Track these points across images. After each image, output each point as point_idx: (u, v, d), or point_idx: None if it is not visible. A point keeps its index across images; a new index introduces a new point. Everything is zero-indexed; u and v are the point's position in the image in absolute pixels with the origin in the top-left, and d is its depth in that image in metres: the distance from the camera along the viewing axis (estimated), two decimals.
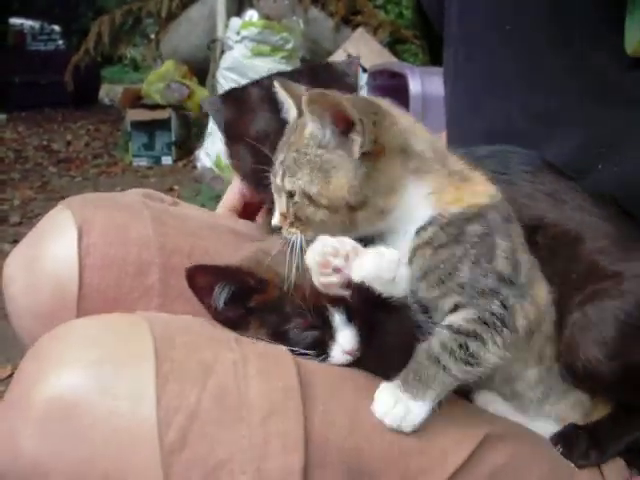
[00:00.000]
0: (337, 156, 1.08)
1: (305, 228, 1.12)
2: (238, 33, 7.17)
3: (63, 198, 4.87)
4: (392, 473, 1.05)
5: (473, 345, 1.07)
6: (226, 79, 7.13)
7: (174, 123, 8.64)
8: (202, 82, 8.88)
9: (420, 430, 1.08)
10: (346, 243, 1.07)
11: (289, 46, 7.42)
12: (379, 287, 1.06)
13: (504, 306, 1.08)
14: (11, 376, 3.27)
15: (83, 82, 11.87)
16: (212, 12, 8.35)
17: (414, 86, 4.11)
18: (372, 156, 1.07)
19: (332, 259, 1.04)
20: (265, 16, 7.21)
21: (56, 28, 19.19)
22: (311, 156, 1.09)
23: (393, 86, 4.55)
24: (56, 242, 1.29)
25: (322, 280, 1.05)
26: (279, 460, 0.97)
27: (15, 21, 18.54)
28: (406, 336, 1.11)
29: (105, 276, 1.29)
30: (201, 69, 8.77)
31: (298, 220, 1.12)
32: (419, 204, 1.12)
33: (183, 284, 1.17)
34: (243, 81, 6.62)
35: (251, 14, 7.34)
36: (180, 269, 1.22)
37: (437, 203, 1.12)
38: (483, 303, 1.07)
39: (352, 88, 1.47)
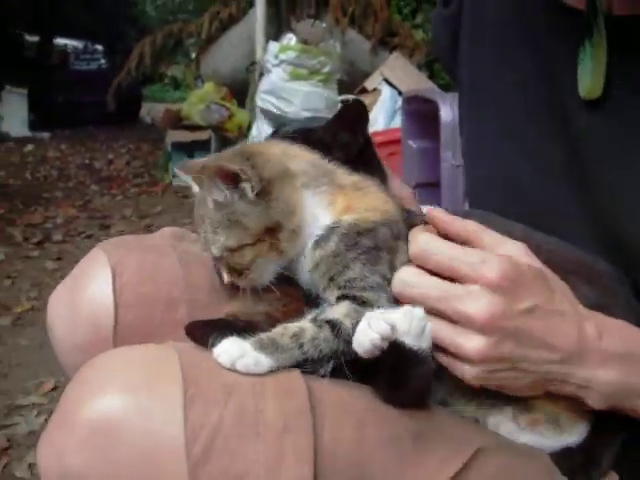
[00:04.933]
0: (239, 207, 1.19)
1: (247, 272, 1.24)
2: (276, 57, 7.27)
3: (105, 217, 5.03)
4: None
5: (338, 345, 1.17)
6: (264, 102, 7.24)
7: (214, 144, 8.76)
8: (241, 104, 9.00)
9: (419, 445, 1.18)
10: (389, 322, 1.12)
11: (326, 69, 7.51)
12: (409, 342, 1.13)
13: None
14: (54, 389, 3.45)
15: (125, 101, 12.04)
16: (252, 35, 8.47)
17: (445, 113, 4.16)
18: (265, 192, 1.19)
19: (381, 343, 1.10)
20: (303, 40, 7.30)
21: (99, 47, 19.50)
22: (219, 218, 1.20)
23: (427, 111, 4.52)
24: (93, 283, 1.42)
25: (365, 354, 1.12)
26: (291, 472, 1.07)
27: (59, 41, 18.83)
28: (426, 383, 1.20)
29: (138, 313, 1.41)
30: (240, 91, 8.89)
31: (238, 270, 1.24)
32: (318, 216, 1.23)
33: (207, 316, 1.28)
34: (281, 104, 6.70)
35: (289, 38, 7.44)
36: (204, 304, 1.35)
37: (331, 213, 1.22)
38: (370, 296, 1.18)
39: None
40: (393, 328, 1.11)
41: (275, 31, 8.43)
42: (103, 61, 19.29)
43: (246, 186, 1.17)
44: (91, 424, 1.08)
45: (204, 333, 1.22)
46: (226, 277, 1.27)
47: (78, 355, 1.33)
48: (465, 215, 1.48)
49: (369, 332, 1.10)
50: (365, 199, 1.26)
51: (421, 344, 1.14)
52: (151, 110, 17.42)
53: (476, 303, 1.14)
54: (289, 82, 7.24)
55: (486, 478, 1.21)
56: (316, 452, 1.10)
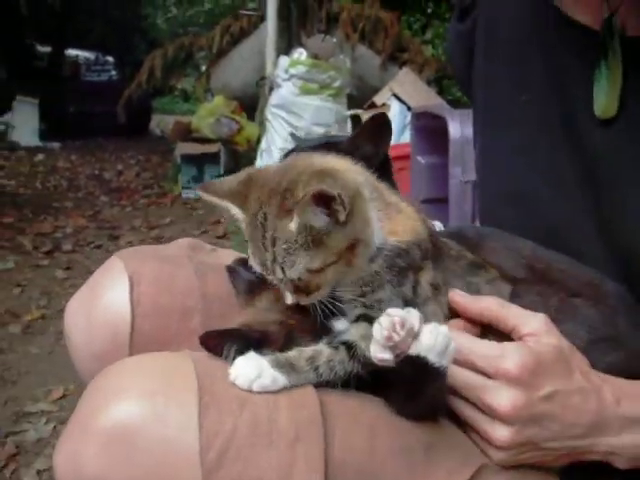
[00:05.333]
0: (328, 229, 1.15)
1: (321, 290, 1.20)
2: (286, 71, 7.31)
3: (114, 228, 5.06)
4: None
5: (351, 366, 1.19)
6: (274, 116, 7.28)
7: (223, 157, 8.80)
8: (251, 118, 9.04)
9: (429, 455, 1.21)
10: (411, 314, 1.13)
11: (336, 84, 7.55)
12: (432, 358, 1.13)
13: None
14: (63, 397, 3.45)
15: (135, 113, 12.13)
16: (262, 49, 8.53)
17: (453, 129, 4.17)
18: (350, 212, 1.15)
19: (399, 331, 1.09)
20: (313, 55, 7.35)
21: (110, 59, 19.53)
22: (303, 241, 1.14)
23: (436, 127, 4.56)
24: (110, 292, 1.45)
25: (379, 356, 1.11)
26: (303, 479, 1.11)
27: (70, 52, 18.89)
28: (441, 397, 1.22)
29: (154, 322, 1.44)
30: (250, 105, 8.93)
31: (307, 290, 1.20)
32: (376, 231, 1.21)
33: (222, 326, 1.29)
34: (291, 118, 6.73)
35: (300, 52, 7.48)
36: (219, 313, 1.37)
37: (381, 231, 1.21)
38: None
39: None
40: (416, 325, 1.12)
41: (285, 46, 8.48)
42: (114, 73, 19.32)
43: (339, 209, 1.13)
44: (108, 431, 1.10)
45: (218, 343, 1.24)
46: (291, 298, 1.24)
47: (95, 363, 1.36)
48: (477, 233, 1.51)
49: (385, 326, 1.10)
50: (403, 219, 1.26)
51: (442, 361, 1.14)
52: (161, 122, 17.46)
53: (497, 396, 1.18)
54: (299, 96, 7.28)
55: None
56: (327, 461, 1.12)
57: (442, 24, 12.13)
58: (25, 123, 13.87)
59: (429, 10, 12.75)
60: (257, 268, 1.23)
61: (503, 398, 1.17)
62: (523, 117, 1.55)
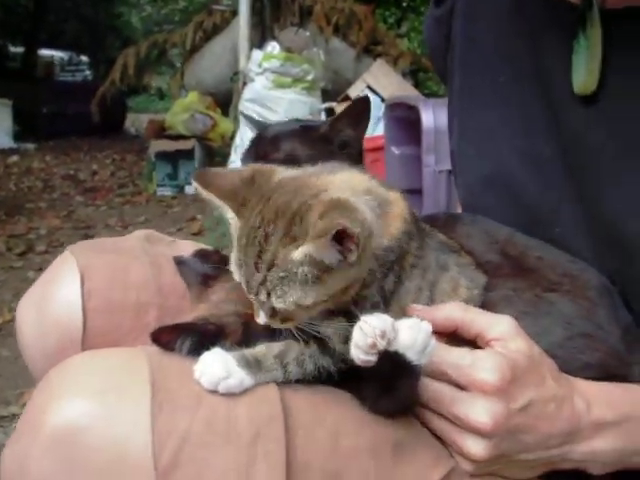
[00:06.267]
0: (334, 267, 1.05)
1: (300, 319, 1.12)
2: (260, 65, 7.28)
3: (89, 227, 5.03)
4: None
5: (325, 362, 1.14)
6: (248, 110, 7.22)
7: (198, 153, 8.74)
8: (225, 113, 8.99)
9: (398, 455, 1.16)
10: (388, 322, 1.05)
11: (310, 77, 7.52)
12: (411, 356, 1.07)
13: None
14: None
15: (109, 112, 12.02)
16: (235, 45, 8.46)
17: (427, 119, 4.14)
18: (360, 254, 1.05)
19: (380, 341, 1.03)
20: (286, 48, 7.32)
21: (84, 59, 19.47)
22: (304, 274, 1.05)
23: (410, 118, 4.54)
24: (61, 288, 1.40)
25: (363, 358, 1.04)
26: (263, 479, 1.06)
27: (44, 52, 18.78)
28: (415, 393, 1.15)
29: (107, 318, 1.38)
30: (224, 101, 8.89)
31: (290, 319, 1.12)
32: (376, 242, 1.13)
33: (178, 321, 1.24)
34: (265, 112, 6.69)
35: (273, 46, 7.45)
36: (176, 309, 1.31)
37: (378, 239, 1.13)
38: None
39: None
40: (392, 335, 1.05)
41: (259, 40, 8.43)
42: (88, 72, 19.30)
43: (353, 249, 1.03)
44: (54, 431, 1.04)
45: (171, 339, 1.18)
46: (264, 319, 1.14)
47: (47, 361, 1.30)
48: (453, 218, 1.46)
49: (368, 332, 1.03)
50: (393, 212, 1.18)
51: (420, 359, 1.08)
52: (136, 121, 17.39)
53: (474, 410, 1.12)
54: (272, 90, 7.25)
55: None
56: (289, 460, 1.07)
57: (417, 17, 12.08)
58: None
59: (404, 4, 12.70)
60: (236, 277, 1.14)
61: (481, 412, 1.11)
62: (501, 99, 1.51)
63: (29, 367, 1.42)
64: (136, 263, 1.44)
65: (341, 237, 1.01)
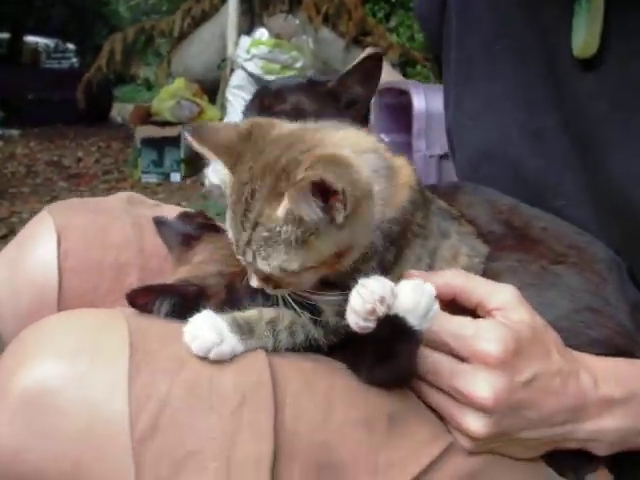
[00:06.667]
0: (320, 227, 0.99)
1: (292, 286, 1.07)
2: (248, 51, 7.24)
3: None
4: (360, 467, 1.05)
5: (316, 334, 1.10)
6: (235, 97, 7.18)
7: (184, 140, 8.55)
8: (212, 101, 8.93)
9: (393, 428, 1.09)
10: (387, 287, 0.99)
11: (298, 64, 7.48)
12: (412, 320, 1.01)
13: None
14: None
15: (95, 100, 11.97)
16: (224, 32, 8.41)
17: (418, 103, 4.10)
18: (351, 214, 0.99)
19: (379, 307, 0.97)
20: (275, 35, 7.27)
21: (70, 46, 19.38)
22: (287, 235, 0.99)
23: (400, 104, 4.50)
24: (36, 247, 1.34)
25: (361, 325, 0.98)
26: (248, 449, 0.98)
27: (30, 39, 18.68)
28: (413, 362, 1.08)
29: (84, 279, 1.33)
30: (212, 88, 8.82)
31: (282, 285, 1.07)
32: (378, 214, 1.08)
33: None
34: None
35: (261, 33, 7.40)
36: (158, 271, 1.25)
37: (383, 209, 1.08)
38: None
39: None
40: (392, 301, 0.99)
41: (247, 28, 8.37)
42: (74, 60, 19.18)
43: (339, 207, 0.96)
44: (22, 394, 0.98)
45: (149, 301, 1.12)
46: (255, 282, 1.08)
47: (18, 324, 1.22)
48: (455, 188, 1.41)
49: (367, 298, 0.97)
50: (400, 181, 1.12)
51: (422, 325, 1.02)
52: (122, 110, 17.29)
53: (475, 383, 1.06)
54: (261, 77, 7.19)
55: (470, 469, 1.12)
56: (276, 430, 1.01)
57: (406, 13, 12.14)
58: None
59: None
60: (229, 236, 1.08)
61: (483, 386, 1.04)
62: (499, 70, 1.47)
63: (0, 330, 1.35)
64: (117, 223, 1.38)
65: (324, 192, 0.95)
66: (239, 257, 1.08)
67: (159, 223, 1.36)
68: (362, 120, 1.30)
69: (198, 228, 1.30)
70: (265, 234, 1.00)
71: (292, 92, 1.39)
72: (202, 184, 7.78)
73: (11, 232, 6.19)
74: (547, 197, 1.36)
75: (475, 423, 1.07)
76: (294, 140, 1.05)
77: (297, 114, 1.26)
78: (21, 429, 0.97)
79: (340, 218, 0.98)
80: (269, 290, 1.09)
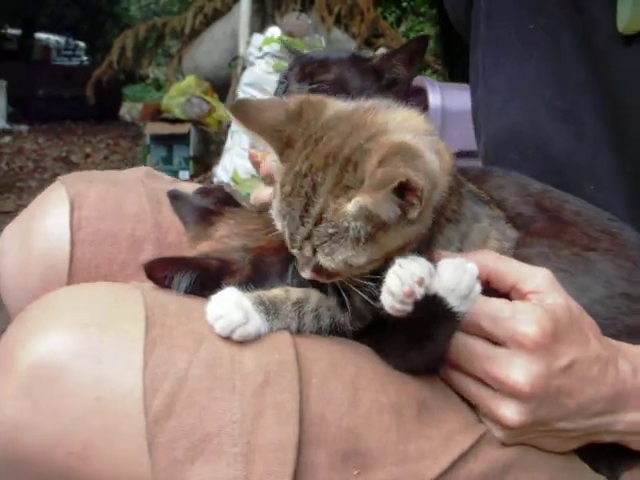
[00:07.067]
0: (392, 224, 0.96)
1: (347, 276, 1.02)
2: (260, 49, 7.18)
3: None
4: (389, 456, 0.99)
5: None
6: (246, 94, 7.13)
7: (193, 138, 8.56)
8: (223, 100, 8.89)
9: (423, 415, 1.03)
10: (426, 267, 0.95)
11: None
12: (452, 300, 0.97)
13: None
14: None
15: (105, 98, 12.04)
16: (235, 30, 8.41)
17: (433, 99, 4.05)
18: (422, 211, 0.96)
19: (418, 288, 0.92)
20: (288, 33, 7.23)
21: (81, 44, 19.49)
22: (357, 231, 0.94)
23: (413, 102, 4.47)
24: (48, 216, 1.30)
25: (398, 307, 0.94)
26: (272, 433, 0.92)
27: (41, 36, 18.75)
28: (445, 347, 1.04)
29: (97, 251, 1.28)
30: (222, 87, 8.77)
31: (338, 276, 1.02)
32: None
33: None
34: (264, 97, 6.62)
35: (273, 31, 7.36)
36: (176, 245, 1.20)
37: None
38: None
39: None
40: (430, 282, 0.94)
41: (259, 26, 8.35)
42: (85, 57, 19.27)
43: (416, 204, 0.93)
44: (29, 369, 0.93)
45: (168, 274, 1.06)
46: (309, 274, 1.03)
47: (26, 297, 1.18)
48: (484, 171, 1.36)
49: (405, 280, 0.92)
50: (443, 164, 1.06)
51: (462, 306, 0.97)
52: (131, 109, 17.35)
53: (512, 368, 1.01)
54: (272, 74, 7.13)
55: (506, 461, 1.06)
56: (301, 413, 0.95)
57: (417, 18, 12.20)
58: None
59: (404, 4, 12.76)
60: (279, 227, 1.02)
61: (519, 371, 0.99)
62: (531, 50, 1.43)
63: (6, 305, 1.29)
64: (132, 195, 1.32)
65: (403, 190, 0.90)
66: (293, 251, 1.02)
67: (174, 197, 1.28)
68: (402, 101, 1.26)
69: (218, 203, 1.23)
70: (331, 230, 0.95)
71: (336, 63, 1.37)
72: (211, 182, 7.74)
73: None
74: (576, 180, 1.33)
75: (510, 411, 1.02)
76: (354, 123, 1.00)
77: (339, 86, 1.27)
78: (27, 405, 0.92)
79: (415, 214, 0.94)
80: (322, 280, 1.03)
